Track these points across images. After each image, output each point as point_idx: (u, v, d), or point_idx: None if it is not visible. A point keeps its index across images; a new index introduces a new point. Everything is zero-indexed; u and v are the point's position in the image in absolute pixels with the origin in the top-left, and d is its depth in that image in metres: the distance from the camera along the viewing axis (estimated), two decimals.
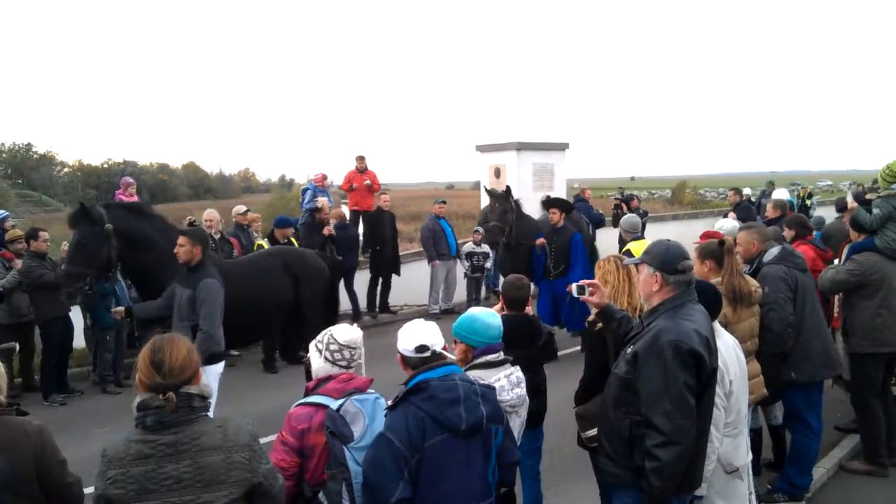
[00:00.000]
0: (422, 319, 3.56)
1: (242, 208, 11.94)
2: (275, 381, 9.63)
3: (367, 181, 14.50)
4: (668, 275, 3.67)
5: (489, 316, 4.00)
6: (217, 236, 10.43)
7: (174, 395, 2.69)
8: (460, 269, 13.98)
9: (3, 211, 11.31)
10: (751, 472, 4.42)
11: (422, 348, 3.34)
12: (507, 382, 3.96)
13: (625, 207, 15.50)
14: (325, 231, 11.79)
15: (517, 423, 4.10)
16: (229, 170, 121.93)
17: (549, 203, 10.94)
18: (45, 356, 9.34)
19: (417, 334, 3.39)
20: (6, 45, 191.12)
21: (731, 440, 4.14)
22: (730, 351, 4.15)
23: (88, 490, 3.16)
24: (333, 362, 3.53)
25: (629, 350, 3.68)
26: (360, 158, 14.63)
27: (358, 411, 3.36)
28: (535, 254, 10.61)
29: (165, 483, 2.65)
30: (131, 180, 12.91)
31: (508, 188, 11.49)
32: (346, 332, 3.60)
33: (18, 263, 9.36)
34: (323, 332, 3.65)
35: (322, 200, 12.75)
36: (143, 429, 2.70)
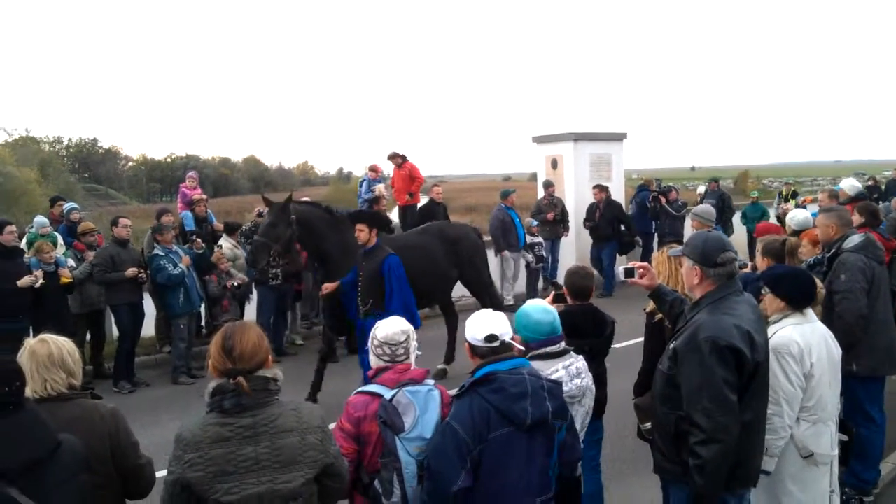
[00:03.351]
0: (490, 309, 3.55)
1: (304, 199, 12.10)
2: (336, 369, 9.70)
3: (382, 185, 14.17)
4: (708, 268, 3.63)
5: (541, 312, 3.94)
6: None
7: (244, 380, 2.76)
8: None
9: (72, 203, 11.67)
10: (835, 470, 4.31)
11: (491, 338, 3.31)
12: (566, 373, 3.91)
13: (663, 200, 15.28)
14: None
15: (581, 413, 4.05)
16: (289, 163, 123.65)
17: (354, 218, 7.99)
18: (119, 346, 9.63)
19: (487, 324, 3.37)
20: (74, 43, 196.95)
21: (809, 425, 4.08)
22: (817, 336, 4.12)
23: (159, 474, 3.28)
24: (378, 357, 3.59)
25: (671, 346, 3.66)
26: (393, 156, 14.46)
27: (410, 402, 3.40)
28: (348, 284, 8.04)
29: (244, 464, 2.72)
30: (195, 174, 13.22)
31: (289, 197, 8.65)
32: (385, 329, 3.62)
33: (90, 255, 9.68)
34: (375, 327, 3.71)
35: (379, 188, 12.81)
36: (220, 412, 2.76)
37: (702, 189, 18.25)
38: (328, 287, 8.10)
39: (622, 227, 14.58)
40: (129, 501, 3.34)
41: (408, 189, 14.08)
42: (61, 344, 3.12)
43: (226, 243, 10.94)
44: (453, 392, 3.43)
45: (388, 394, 3.43)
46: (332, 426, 3.12)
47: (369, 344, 3.68)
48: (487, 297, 9.75)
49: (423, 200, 14.73)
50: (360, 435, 3.43)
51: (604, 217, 14.40)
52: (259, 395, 2.79)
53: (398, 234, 10.21)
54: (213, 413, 2.79)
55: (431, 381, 3.58)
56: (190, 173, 13.33)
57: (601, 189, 14.59)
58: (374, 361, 3.63)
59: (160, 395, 9.23)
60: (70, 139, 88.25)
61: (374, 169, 14.46)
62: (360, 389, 3.59)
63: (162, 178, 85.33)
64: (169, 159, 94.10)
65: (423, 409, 3.41)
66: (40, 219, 10.42)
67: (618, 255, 14.64)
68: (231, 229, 11.33)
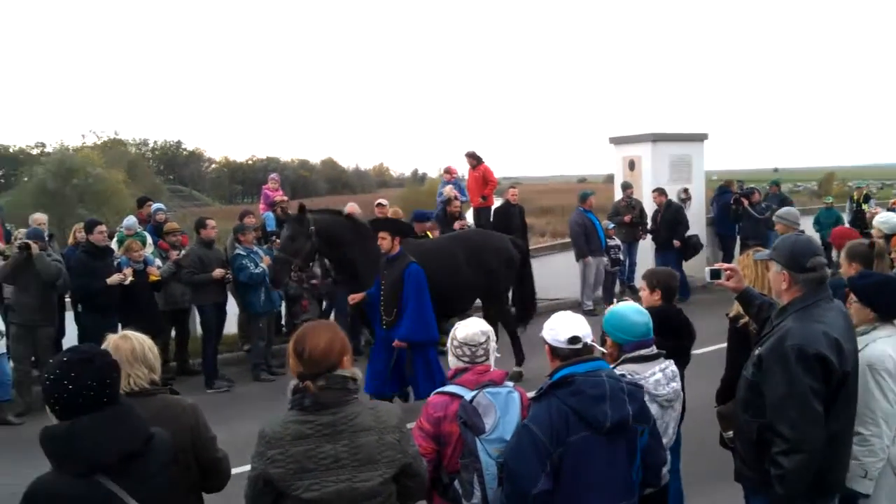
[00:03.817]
0: (570, 311, 3.51)
1: (380, 201, 12.24)
2: None
3: (449, 186, 14.05)
4: (797, 273, 3.52)
5: (636, 313, 3.86)
6: None
7: (311, 383, 2.79)
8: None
9: (158, 204, 12.06)
10: None
11: (574, 339, 3.28)
12: (663, 376, 3.81)
13: (745, 202, 14.84)
14: (457, 225, 11.72)
15: (672, 418, 3.95)
16: (365, 165, 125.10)
17: (375, 226, 7.88)
18: (204, 343, 9.90)
19: (571, 325, 3.32)
20: (161, 47, 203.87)
21: None
22: None
23: (235, 470, 3.36)
24: (457, 358, 3.60)
25: (756, 352, 3.57)
26: (469, 155, 14.45)
27: (490, 403, 3.40)
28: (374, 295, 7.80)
29: (324, 462, 2.76)
30: (277, 176, 13.54)
31: (302, 205, 8.58)
32: (464, 329, 3.63)
33: (174, 254, 9.99)
34: (454, 327, 3.72)
35: (447, 190, 12.83)
36: (300, 410, 2.81)
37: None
38: (355, 298, 7.90)
39: (682, 232, 14.10)
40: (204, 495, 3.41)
41: (481, 192, 14.08)
42: (142, 340, 3.22)
43: None
44: (531, 395, 3.41)
45: (468, 395, 3.44)
46: (410, 426, 3.14)
47: (448, 344, 3.70)
48: (498, 311, 9.22)
49: (497, 202, 14.72)
50: (440, 435, 3.45)
51: (664, 221, 14.06)
52: (337, 394, 2.82)
53: (423, 241, 9.86)
54: (294, 410, 2.84)
55: (511, 384, 3.58)
56: (272, 175, 13.68)
57: (660, 193, 14.25)
58: (452, 362, 3.65)
59: (242, 392, 9.46)
60: (155, 141, 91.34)
61: (448, 170, 14.51)
62: (439, 390, 3.61)
63: (243, 179, 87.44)
64: (250, 161, 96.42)
65: (503, 411, 3.40)
66: (130, 219, 10.79)
67: (683, 262, 14.11)
68: None
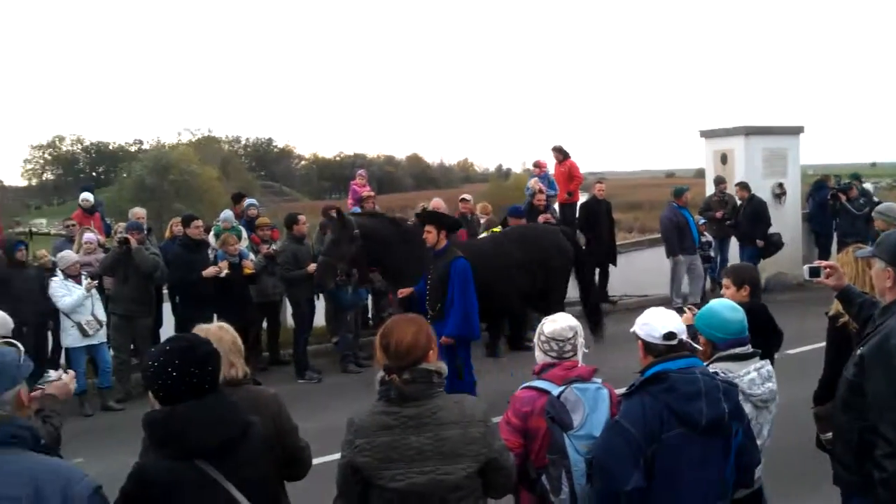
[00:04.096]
0: (663, 307, 3.45)
1: (465, 197, 12.27)
2: (499, 364, 9.78)
3: (534, 179, 13.77)
4: None
5: (730, 310, 3.75)
6: None
7: (397, 377, 2.82)
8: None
9: (251, 199, 12.39)
10: None
11: (670, 335, 3.22)
12: (758, 376, 3.68)
13: (843, 198, 14.22)
14: (541, 219, 11.61)
15: (767, 420, 3.81)
16: (449, 160, 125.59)
17: (421, 218, 7.76)
18: (296, 335, 10.13)
19: (666, 321, 3.27)
20: (253, 47, 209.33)
21: None
22: None
23: (317, 460, 3.43)
24: (545, 353, 3.58)
25: (858, 352, 3.44)
26: (556, 150, 14.28)
27: (578, 399, 3.37)
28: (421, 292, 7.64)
29: (408, 453, 2.79)
30: (364, 172, 13.74)
31: (339, 210, 8.56)
32: (552, 324, 3.60)
33: (265, 248, 10.25)
34: (542, 322, 3.70)
35: (532, 182, 12.73)
36: (386, 401, 2.86)
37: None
38: (404, 292, 7.70)
39: (763, 230, 13.57)
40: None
41: (567, 187, 13.96)
42: (233, 332, 3.30)
43: None
44: (621, 391, 3.37)
45: (555, 390, 3.42)
46: (496, 420, 3.14)
47: (535, 339, 3.69)
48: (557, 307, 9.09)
49: (583, 198, 14.56)
50: (527, 430, 3.44)
51: (745, 217, 13.59)
52: (422, 387, 2.84)
53: (474, 238, 9.74)
54: (381, 401, 2.88)
55: (599, 380, 3.55)
56: (360, 171, 13.89)
57: (742, 187, 13.78)
58: (539, 357, 3.63)
59: (331, 383, 9.66)
60: (247, 139, 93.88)
61: (538, 165, 14.39)
62: (526, 384, 3.60)
63: (332, 175, 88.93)
64: (338, 158, 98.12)
65: (592, 408, 3.37)
66: (227, 213, 11.10)
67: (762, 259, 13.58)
68: None
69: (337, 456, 2.97)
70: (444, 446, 2.82)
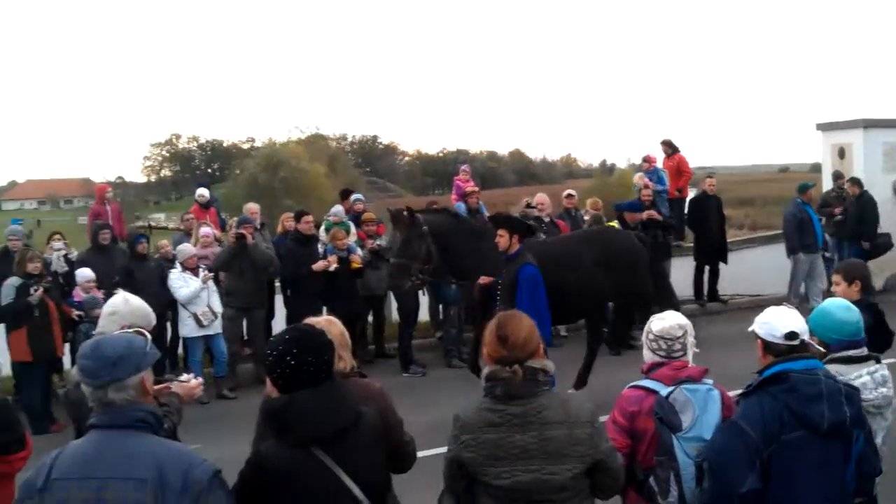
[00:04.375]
0: (784, 306, 3.36)
1: (569, 192, 12.15)
2: (605, 364, 9.60)
3: (639, 174, 13.50)
4: None
5: (845, 310, 3.63)
6: (547, 220, 10.80)
7: (520, 368, 2.83)
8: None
9: (358, 195, 12.63)
10: None
11: (792, 335, 3.14)
12: (871, 380, 3.57)
13: None
14: (646, 215, 11.33)
15: (882, 427, 3.67)
16: (552, 156, 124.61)
17: (494, 222, 7.52)
18: (402, 329, 10.26)
19: (786, 320, 3.19)
20: (359, 49, 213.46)
21: None
22: None
23: (422, 453, 3.46)
24: (653, 352, 3.52)
25: None
26: (665, 143, 13.95)
27: (688, 400, 3.30)
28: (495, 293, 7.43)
29: (513, 452, 2.80)
30: (468, 167, 13.80)
31: (409, 208, 8.43)
32: (660, 322, 3.54)
33: (370, 243, 10.43)
34: (650, 320, 3.64)
35: (636, 178, 12.48)
36: (492, 398, 2.87)
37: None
38: (485, 280, 7.49)
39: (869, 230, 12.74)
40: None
41: (676, 184, 13.62)
42: (341, 325, 3.36)
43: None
44: (735, 393, 3.28)
45: (664, 390, 3.36)
46: (602, 419, 3.11)
47: (643, 338, 3.63)
48: (646, 313, 8.82)
49: (692, 193, 14.19)
50: (634, 430, 3.40)
51: (852, 214, 12.83)
52: (529, 385, 2.84)
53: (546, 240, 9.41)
54: (487, 398, 2.89)
55: (710, 381, 3.46)
56: (463, 167, 13.96)
57: (853, 183, 13.00)
58: (648, 356, 3.57)
59: (435, 377, 9.75)
60: (354, 136, 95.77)
61: (647, 159, 14.12)
62: (633, 384, 3.55)
63: (435, 171, 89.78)
64: (441, 154, 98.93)
65: (701, 409, 3.30)
66: (338, 207, 11.32)
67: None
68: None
69: (441, 450, 3.01)
70: (549, 446, 2.81)
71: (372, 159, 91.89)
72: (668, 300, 9.12)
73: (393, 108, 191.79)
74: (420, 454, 3.52)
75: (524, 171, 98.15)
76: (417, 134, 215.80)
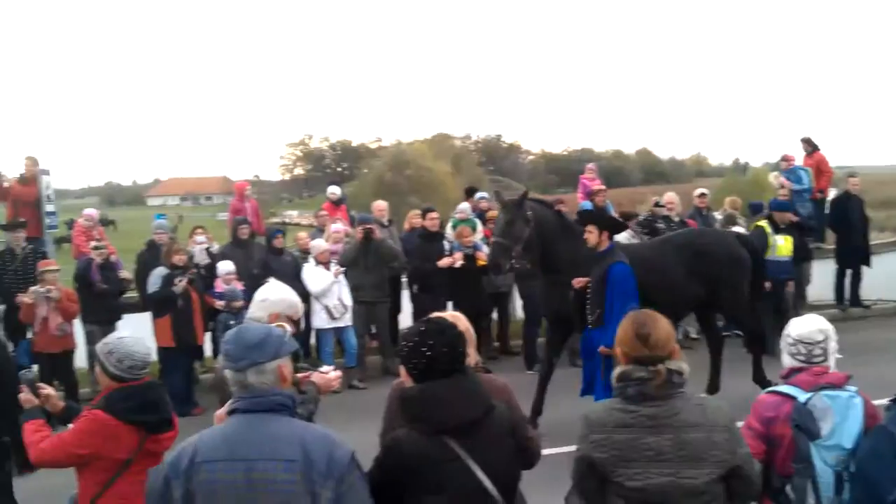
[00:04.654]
0: None
1: (702, 191, 11.81)
2: (740, 368, 9.28)
3: (775, 173, 12.85)
4: None
5: None
6: (676, 219, 10.59)
7: (663, 368, 2.79)
8: None
9: (482, 192, 12.72)
10: None
11: None
12: None
13: None
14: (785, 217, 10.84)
15: None
16: (681, 155, 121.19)
17: (583, 218, 7.44)
18: (526, 327, 10.28)
19: None
20: (485, 50, 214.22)
21: None
22: None
23: (545, 451, 3.44)
24: (792, 356, 3.40)
25: None
26: (805, 141, 13.29)
27: (827, 408, 3.18)
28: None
29: (646, 454, 2.76)
30: (594, 166, 13.67)
31: (526, 192, 8.31)
32: (800, 326, 3.41)
33: None
34: (789, 324, 3.51)
35: (771, 177, 12.00)
36: (623, 399, 2.85)
37: None
38: (580, 282, 7.24)
39: None
40: None
41: (816, 184, 13.02)
42: (466, 320, 3.37)
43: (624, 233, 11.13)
44: (882, 401, 3.12)
45: (802, 396, 3.24)
46: (738, 424, 3.02)
47: (782, 343, 3.50)
48: (747, 320, 8.39)
49: (832, 194, 13.53)
50: (771, 436, 3.29)
51: None
52: (663, 387, 2.80)
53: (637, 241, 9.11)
54: (618, 398, 2.86)
55: (853, 388, 3.31)
56: (589, 165, 13.85)
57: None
58: (787, 361, 3.46)
59: (558, 376, 9.66)
60: (478, 135, 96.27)
61: (785, 158, 13.54)
62: (771, 389, 3.45)
63: (558, 170, 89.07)
64: (565, 153, 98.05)
65: (842, 417, 3.16)
66: (465, 205, 11.45)
67: None
68: (626, 219, 11.47)
69: (565, 449, 3.01)
70: (686, 449, 2.75)
71: (496, 158, 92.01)
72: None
73: (517, 108, 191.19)
74: (544, 452, 3.52)
75: (651, 170, 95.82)
76: (541, 133, 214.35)
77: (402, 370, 2.89)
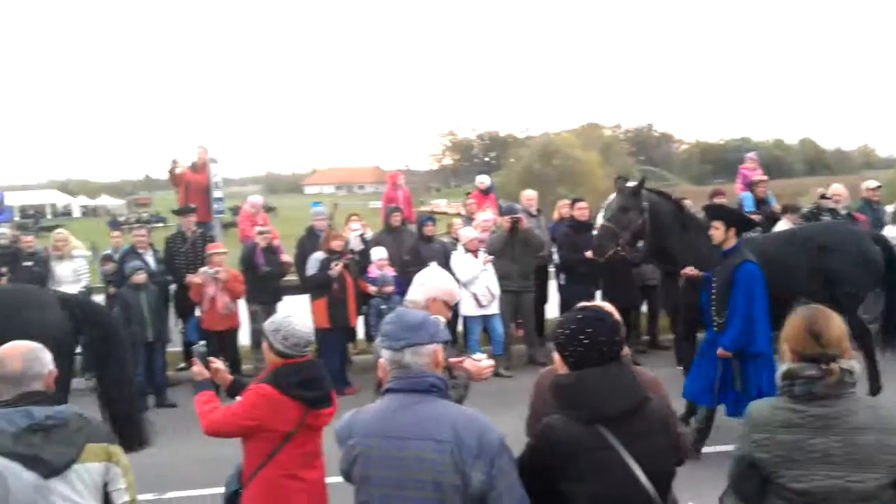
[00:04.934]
0: None
1: (873, 183, 11.08)
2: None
3: None
4: None
5: None
6: (843, 212, 10.05)
7: (837, 366, 2.67)
8: None
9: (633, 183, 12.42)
10: None
11: None
12: None
13: None
14: None
15: None
16: (847, 146, 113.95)
17: (710, 213, 6.94)
18: (674, 322, 10.00)
19: None
20: (635, 40, 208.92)
21: None
22: None
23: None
24: None
25: None
26: None
27: None
28: (706, 293, 6.81)
29: (813, 455, 2.65)
30: (755, 155, 13.12)
31: (644, 178, 8.07)
32: None
33: None
34: None
35: None
36: (790, 397, 2.73)
37: None
38: (691, 272, 7.05)
39: None
40: None
41: None
42: (615, 312, 3.34)
43: (785, 225, 10.61)
44: None
45: None
46: None
47: None
48: (855, 322, 7.22)
49: None
50: None
51: None
52: (834, 387, 2.67)
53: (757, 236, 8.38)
54: (784, 397, 2.75)
55: None
56: (750, 155, 13.29)
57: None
58: None
59: (665, 376, 9.31)
60: (628, 125, 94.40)
61: None
62: None
63: (714, 160, 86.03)
64: (721, 142, 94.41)
65: None
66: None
67: None
68: (789, 211, 10.93)
69: (715, 449, 2.91)
70: (856, 454, 2.62)
71: (647, 148, 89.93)
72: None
73: (669, 96, 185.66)
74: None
75: (815, 161, 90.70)
76: (695, 122, 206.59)
77: (556, 357, 2.89)
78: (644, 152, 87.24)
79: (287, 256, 10.46)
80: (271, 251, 10.07)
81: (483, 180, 12.89)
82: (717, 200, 10.12)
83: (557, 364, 2.88)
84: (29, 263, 10.00)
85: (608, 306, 3.11)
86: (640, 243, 8.33)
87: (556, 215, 11.15)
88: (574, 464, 2.68)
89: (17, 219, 29.64)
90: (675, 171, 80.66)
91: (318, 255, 9.28)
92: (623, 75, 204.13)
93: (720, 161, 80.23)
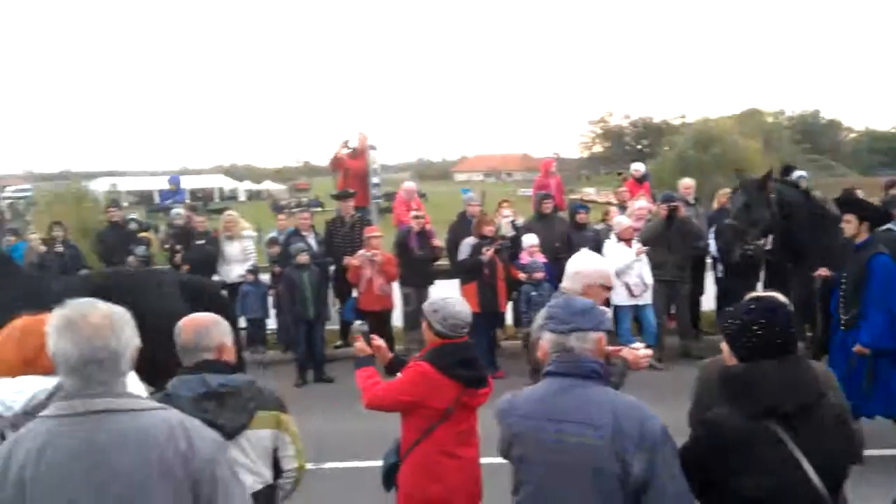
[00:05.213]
0: None
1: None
2: None
3: None
4: None
5: None
6: None
7: None
8: None
9: (801, 172, 11.79)
10: None
11: None
12: None
13: None
14: None
15: None
16: None
17: (842, 205, 6.49)
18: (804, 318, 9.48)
19: None
20: (798, 20, 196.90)
21: None
22: None
23: None
24: None
25: None
26: None
27: None
28: (836, 290, 6.43)
29: None
30: None
31: (770, 172, 7.62)
32: None
33: None
34: None
35: None
36: None
37: None
38: (823, 272, 6.72)
39: None
40: None
41: None
42: None
43: None
44: None
45: None
46: None
47: None
48: None
49: None
50: None
51: None
52: None
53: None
54: None
55: None
56: None
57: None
58: None
59: None
60: (793, 111, 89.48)
61: None
62: None
63: (887, 149, 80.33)
64: (894, 130, 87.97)
65: None
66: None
67: None
68: None
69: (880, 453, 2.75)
70: None
71: (812, 135, 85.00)
72: None
73: (837, 81, 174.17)
74: None
75: None
76: (865, 108, 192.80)
77: (725, 348, 2.81)
78: (809, 140, 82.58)
79: (439, 241, 10.65)
80: (424, 236, 10.29)
81: (638, 168, 12.66)
82: (893, 192, 9.47)
83: (726, 355, 2.81)
84: (201, 242, 10.73)
85: (781, 297, 3.01)
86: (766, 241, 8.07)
87: (715, 204, 10.76)
88: (740, 458, 2.60)
89: (188, 201, 31.82)
90: (844, 160, 75.85)
91: (470, 241, 9.39)
92: (787, 58, 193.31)
93: (893, 151, 74.83)
